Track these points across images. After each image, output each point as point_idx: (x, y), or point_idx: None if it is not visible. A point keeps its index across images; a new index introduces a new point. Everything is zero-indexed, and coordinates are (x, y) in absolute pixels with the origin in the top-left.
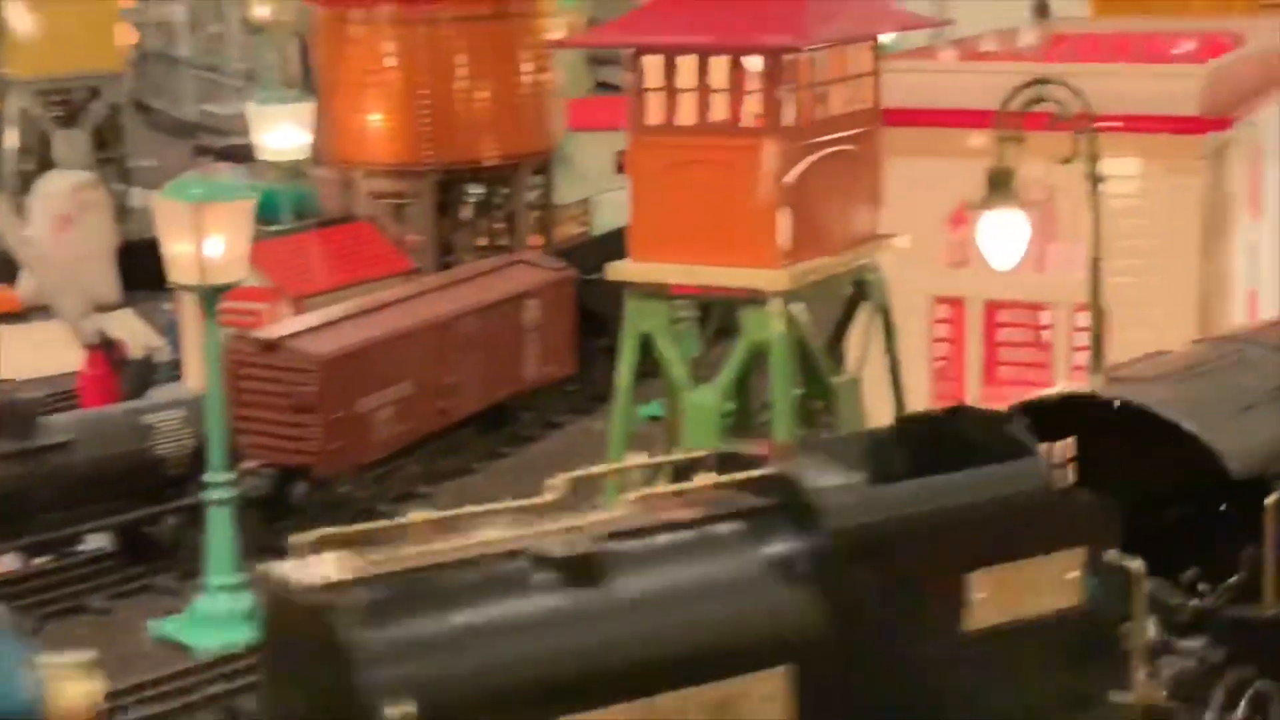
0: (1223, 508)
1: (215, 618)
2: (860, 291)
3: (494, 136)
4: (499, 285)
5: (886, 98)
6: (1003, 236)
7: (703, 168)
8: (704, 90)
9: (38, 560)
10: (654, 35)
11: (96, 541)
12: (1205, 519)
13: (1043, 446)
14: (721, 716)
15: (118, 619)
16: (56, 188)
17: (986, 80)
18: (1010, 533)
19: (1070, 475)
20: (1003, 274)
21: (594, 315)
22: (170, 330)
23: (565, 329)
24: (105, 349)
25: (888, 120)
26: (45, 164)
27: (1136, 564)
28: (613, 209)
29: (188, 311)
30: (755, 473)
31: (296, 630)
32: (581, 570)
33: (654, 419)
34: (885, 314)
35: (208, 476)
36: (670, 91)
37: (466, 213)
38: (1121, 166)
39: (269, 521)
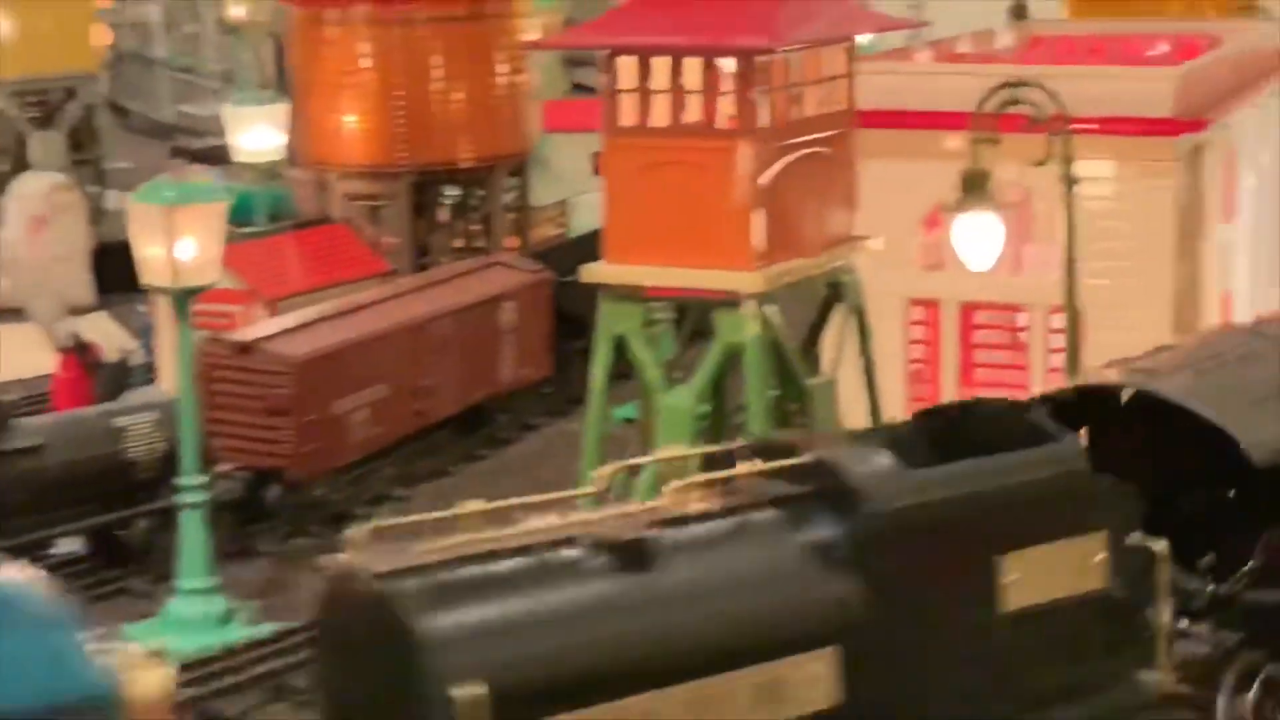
0: (1231, 494)
1: (188, 621)
2: (835, 293)
3: (470, 138)
4: (475, 287)
5: (862, 99)
6: (978, 238)
7: (677, 169)
8: (678, 91)
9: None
10: (628, 36)
11: (68, 545)
12: (1221, 507)
13: None
14: (769, 698)
15: (90, 623)
16: (31, 189)
17: (962, 82)
18: (1039, 516)
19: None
20: (978, 276)
21: (571, 317)
22: (145, 333)
23: (542, 331)
24: (79, 352)
25: (863, 122)
26: (20, 165)
27: (1160, 545)
28: (590, 211)
29: (162, 314)
30: (794, 460)
31: (358, 617)
32: (635, 556)
33: (629, 421)
34: (860, 316)
35: (180, 480)
36: (644, 93)
37: (443, 214)
38: (1096, 168)
39: (242, 525)
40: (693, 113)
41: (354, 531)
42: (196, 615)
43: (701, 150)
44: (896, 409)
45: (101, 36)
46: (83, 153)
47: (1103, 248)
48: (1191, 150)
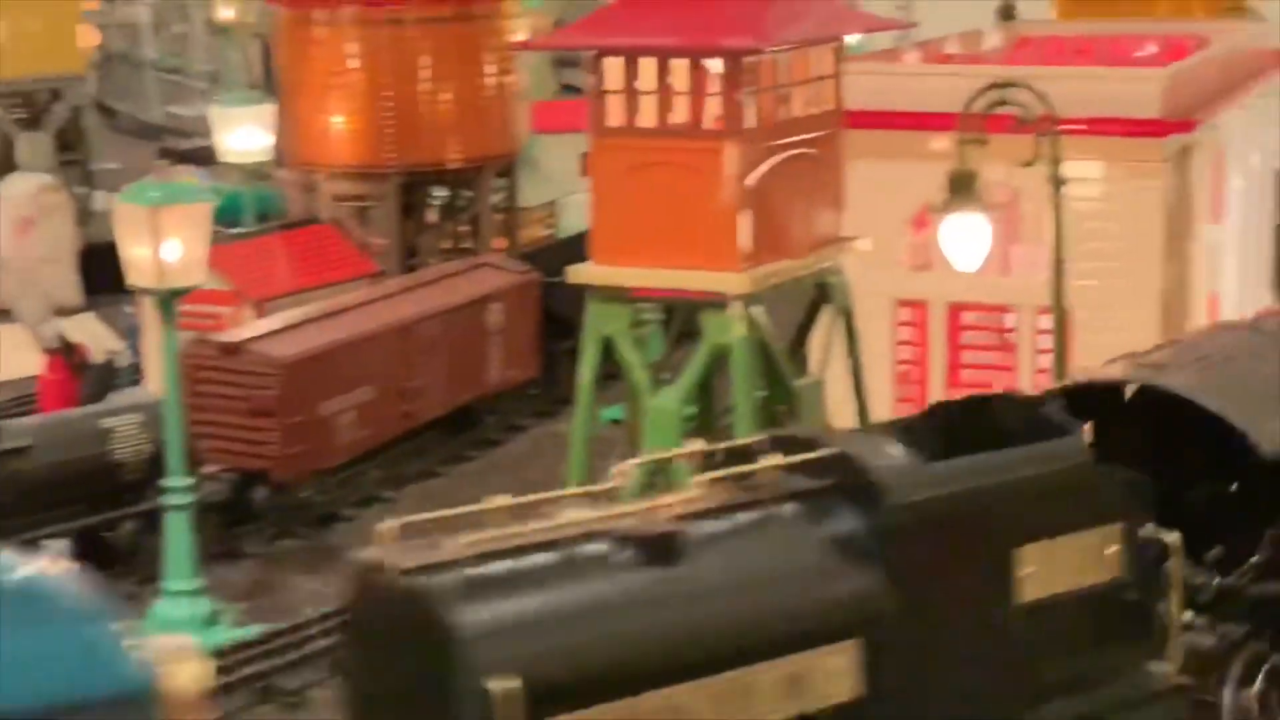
0: (1235, 489)
1: (174, 623)
2: (823, 294)
3: (458, 139)
4: (463, 288)
5: (849, 100)
6: (965, 239)
7: (664, 170)
8: (665, 92)
9: None
10: (615, 37)
11: (54, 547)
12: (1225, 502)
13: None
14: (793, 691)
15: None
16: (18, 190)
17: (949, 83)
18: (1055, 509)
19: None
20: (966, 276)
21: (559, 318)
22: (132, 334)
23: (529, 332)
24: (65, 353)
25: (850, 123)
26: (7, 166)
27: (1173, 537)
28: (579, 212)
29: (149, 315)
30: (816, 454)
31: (389, 612)
32: (663, 550)
33: (616, 422)
34: (848, 317)
35: (166, 481)
36: (631, 93)
37: (431, 215)
38: (1084, 169)
39: (228, 526)
40: (680, 113)
41: (383, 526)
42: (182, 617)
43: (688, 151)
44: (884, 410)
45: (88, 37)
46: (70, 154)
47: (1090, 248)
48: (1179, 151)
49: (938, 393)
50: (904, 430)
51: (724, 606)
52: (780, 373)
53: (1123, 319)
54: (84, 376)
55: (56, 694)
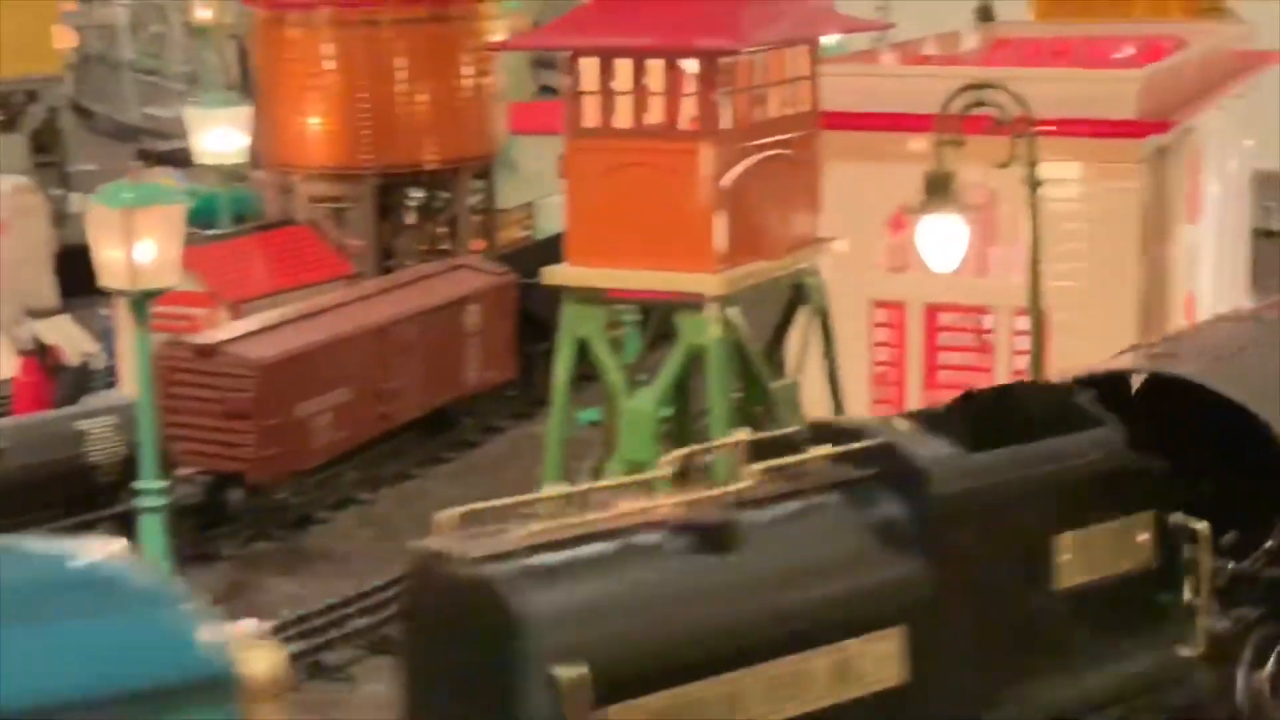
0: (1248, 477)
1: None
2: (799, 295)
3: (435, 140)
4: (440, 290)
5: (826, 101)
6: (942, 240)
7: (639, 171)
8: (640, 93)
9: None
10: (590, 37)
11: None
12: (1239, 489)
13: None
14: (841, 677)
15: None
16: None
17: (927, 84)
18: (1091, 497)
19: None
20: (943, 278)
21: (536, 320)
22: (107, 336)
23: (507, 334)
24: (40, 355)
25: (827, 124)
26: None
27: (1202, 526)
28: (557, 213)
29: (123, 317)
30: (861, 444)
31: (452, 600)
32: (719, 539)
33: (594, 424)
34: (824, 318)
35: (140, 484)
36: (607, 94)
37: (408, 217)
38: (1061, 170)
39: (203, 529)
40: (655, 114)
41: (442, 515)
42: None
43: (664, 152)
44: (860, 411)
45: (64, 39)
46: (46, 155)
47: (1067, 249)
48: (1156, 152)
49: (915, 394)
50: (934, 419)
51: (777, 594)
52: (756, 374)
53: (1100, 320)
54: (59, 379)
55: (138, 681)
